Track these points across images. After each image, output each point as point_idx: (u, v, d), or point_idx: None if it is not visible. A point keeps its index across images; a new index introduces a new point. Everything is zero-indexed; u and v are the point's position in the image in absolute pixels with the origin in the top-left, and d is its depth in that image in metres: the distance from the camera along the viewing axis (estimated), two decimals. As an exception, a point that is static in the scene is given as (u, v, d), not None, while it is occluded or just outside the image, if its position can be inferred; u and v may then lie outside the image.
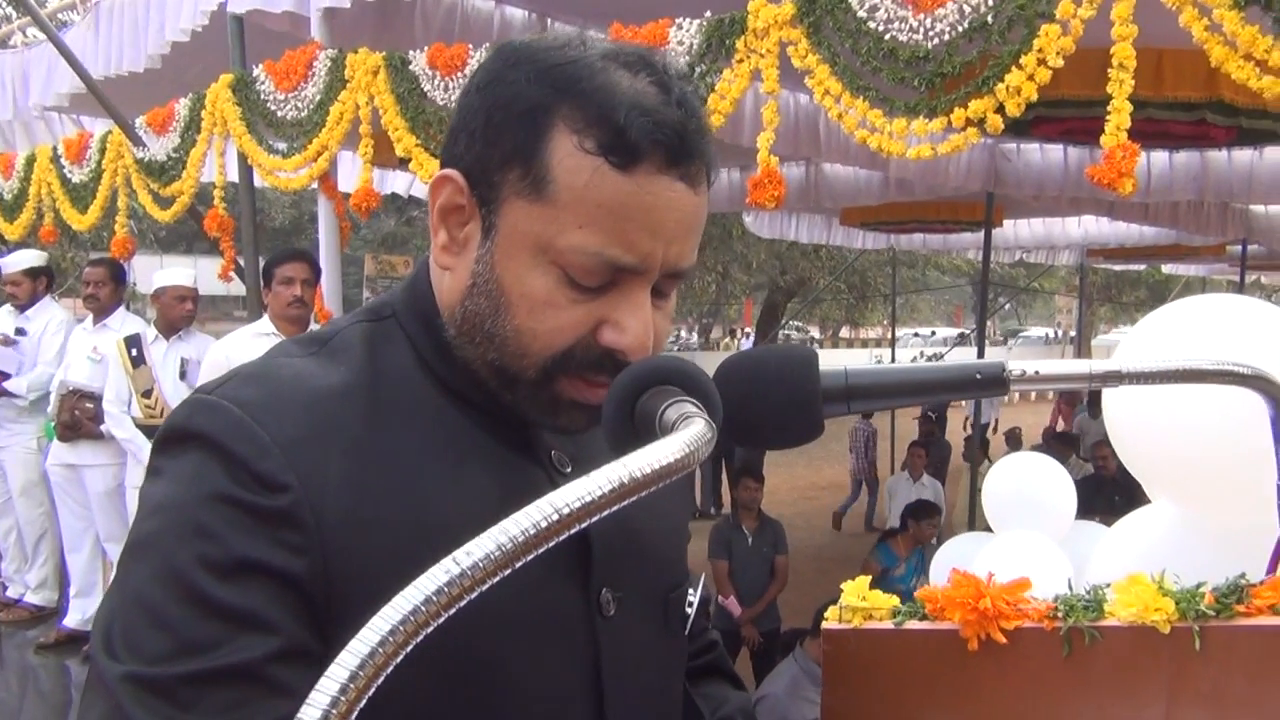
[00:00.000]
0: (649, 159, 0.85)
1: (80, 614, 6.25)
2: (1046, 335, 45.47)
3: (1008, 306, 31.17)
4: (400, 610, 0.50)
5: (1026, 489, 3.69)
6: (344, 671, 0.49)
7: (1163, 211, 9.83)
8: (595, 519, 0.56)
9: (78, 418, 6.00)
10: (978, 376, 0.91)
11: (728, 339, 35.99)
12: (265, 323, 4.87)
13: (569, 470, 0.99)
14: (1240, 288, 14.09)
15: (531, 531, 0.54)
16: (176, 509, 0.83)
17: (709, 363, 0.82)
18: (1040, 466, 3.83)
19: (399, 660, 0.51)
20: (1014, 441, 12.11)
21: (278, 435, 0.85)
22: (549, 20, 6.04)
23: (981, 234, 9.73)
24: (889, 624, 1.12)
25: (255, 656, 0.79)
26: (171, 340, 5.84)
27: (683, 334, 36.80)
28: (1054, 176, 8.21)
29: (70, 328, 6.58)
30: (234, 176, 5.97)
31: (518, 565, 0.54)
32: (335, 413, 0.89)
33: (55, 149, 7.20)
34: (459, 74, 4.66)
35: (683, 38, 4.22)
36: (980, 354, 11.73)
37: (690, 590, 1.12)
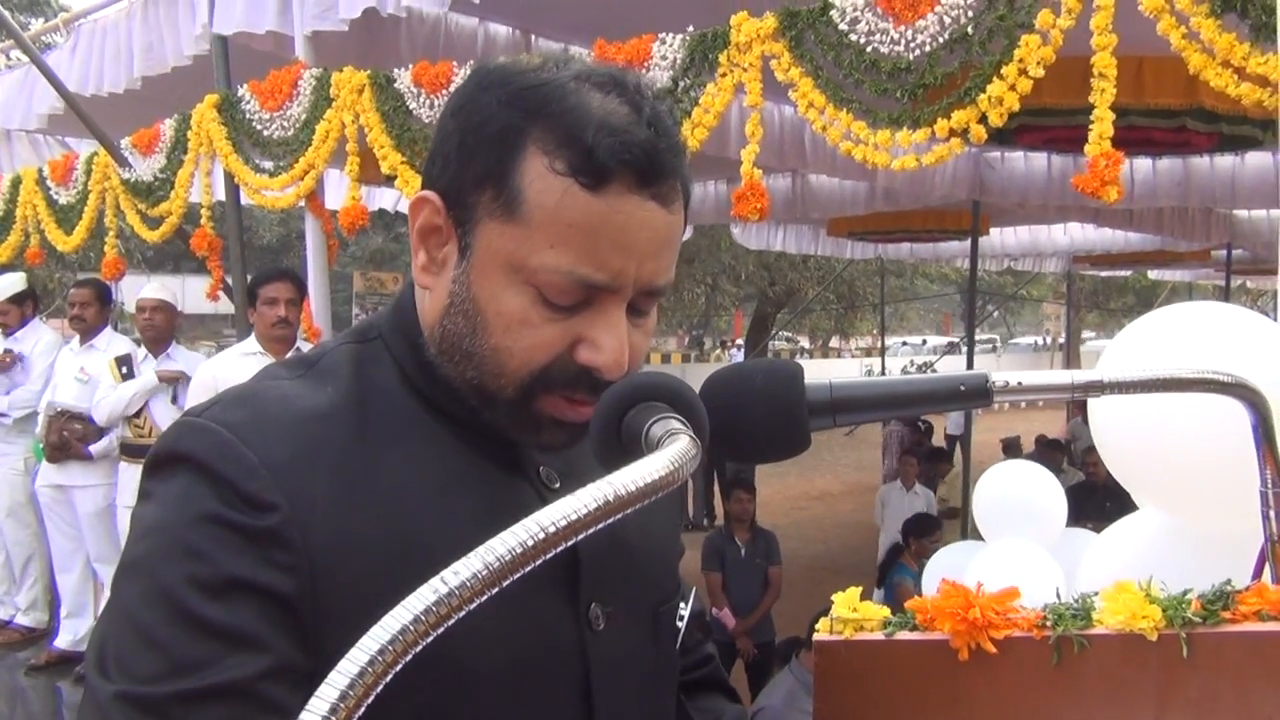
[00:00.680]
0: (618, 179, 0.86)
1: (71, 635, 6.22)
2: (1035, 342, 45.59)
3: (996, 314, 31.28)
4: (389, 630, 0.51)
5: (1017, 496, 3.69)
6: (334, 691, 0.50)
7: (1147, 218, 9.89)
8: (582, 536, 0.57)
9: (66, 438, 5.98)
10: (962, 388, 0.91)
11: (718, 350, 35.97)
12: (252, 342, 4.86)
13: (557, 486, 1.00)
14: (1226, 292, 14.17)
15: (518, 550, 0.54)
16: (166, 530, 0.84)
17: (701, 375, 0.82)
18: (1031, 474, 3.84)
19: (388, 679, 0.51)
20: (1013, 450, 12.06)
21: (265, 456, 0.85)
22: (533, 37, 6.07)
23: (969, 242, 9.77)
24: (880, 635, 1.12)
25: (246, 674, 0.79)
26: (160, 359, 5.83)
27: (672, 345, 36.77)
28: (1038, 184, 8.25)
29: (58, 349, 6.57)
30: (221, 196, 5.97)
31: (505, 584, 0.54)
32: (322, 433, 0.90)
33: (41, 171, 7.19)
34: (444, 91, 4.67)
35: (666, 52, 4.24)
36: (970, 363, 11.76)
37: (681, 603, 1.13)
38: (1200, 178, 8.25)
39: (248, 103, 5.44)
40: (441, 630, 0.52)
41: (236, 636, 0.80)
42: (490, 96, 0.90)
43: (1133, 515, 2.61)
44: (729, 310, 28.64)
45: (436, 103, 4.70)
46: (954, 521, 9.55)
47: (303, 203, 5.51)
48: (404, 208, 9.13)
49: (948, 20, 3.57)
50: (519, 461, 0.99)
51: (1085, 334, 34.13)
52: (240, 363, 4.61)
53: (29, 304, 6.73)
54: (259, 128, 5.41)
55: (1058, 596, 1.13)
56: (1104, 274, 20.70)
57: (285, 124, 5.28)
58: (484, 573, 0.53)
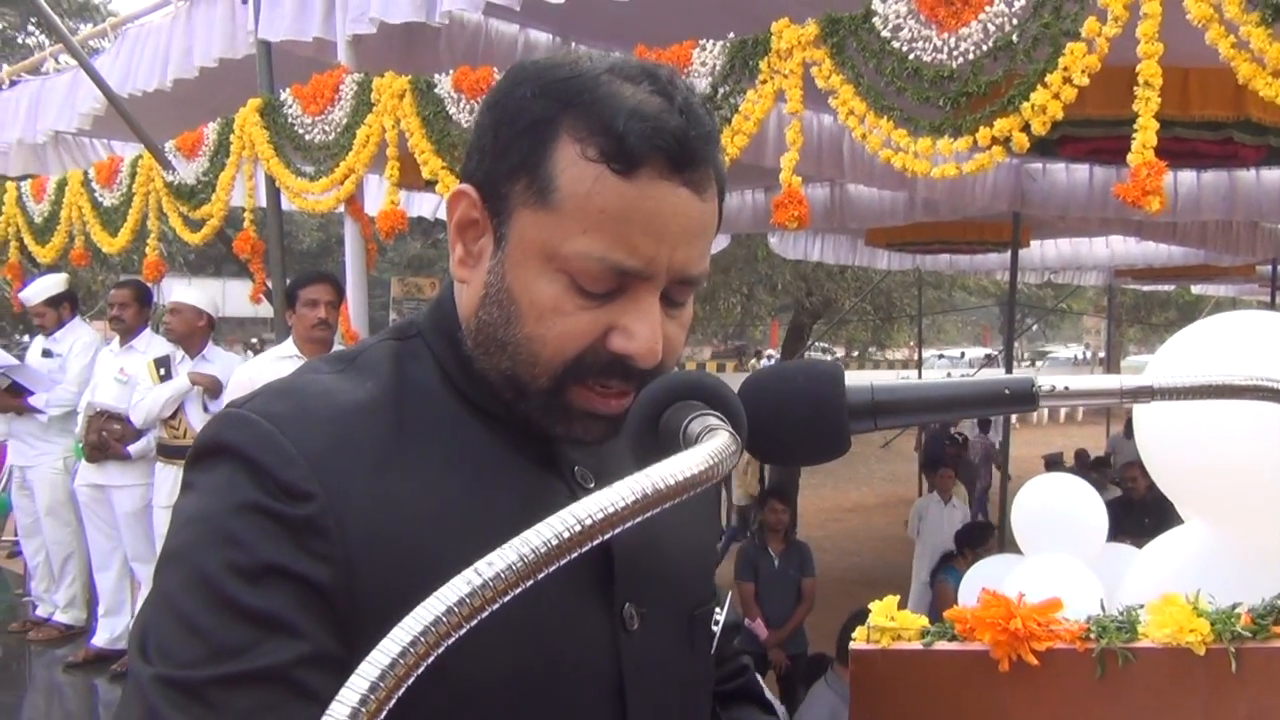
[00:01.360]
0: (650, 164, 0.86)
1: (109, 633, 6.30)
2: (1075, 356, 45.16)
3: (1035, 327, 30.97)
4: (421, 621, 0.50)
5: (1057, 510, 3.64)
6: (364, 682, 0.49)
7: (1191, 231, 9.76)
8: (618, 530, 0.56)
9: (105, 438, 6.06)
10: (1006, 392, 0.89)
11: (754, 360, 35.84)
12: (288, 345, 4.89)
13: (591, 485, 1.00)
14: (1271, 308, 13.96)
15: (554, 542, 0.53)
16: (207, 519, 0.85)
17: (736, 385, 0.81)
18: (1071, 487, 3.78)
19: (420, 671, 0.50)
20: (1055, 467, 11.92)
21: (304, 447, 0.86)
22: (572, 43, 6.08)
23: (1008, 254, 9.68)
24: (918, 644, 1.11)
25: (282, 660, 0.80)
26: (196, 360, 5.88)
27: (707, 354, 36.68)
28: (1080, 197, 8.16)
29: (98, 349, 6.64)
30: (263, 200, 6.02)
31: (539, 577, 0.53)
32: (360, 427, 0.91)
33: (87, 173, 7.29)
34: (484, 96, 4.68)
35: (706, 59, 4.23)
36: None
37: (717, 609, 1.11)
38: (1246, 191, 8.12)
39: (290, 107, 5.49)
40: (475, 623, 0.51)
41: (274, 622, 0.81)
42: (524, 90, 0.91)
43: (1178, 528, 2.56)
44: (765, 320, 28.55)
45: (476, 108, 4.72)
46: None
47: (342, 207, 5.55)
48: (443, 214, 9.19)
49: (992, 28, 3.53)
50: (554, 460, 0.99)
51: (1128, 349, 33.72)
52: (276, 366, 4.63)
53: (66, 306, 6.81)
54: (301, 132, 5.46)
55: (1102, 609, 1.10)
56: (1146, 288, 20.44)
57: (326, 128, 5.33)
58: (519, 565, 0.52)
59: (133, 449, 6.07)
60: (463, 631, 0.51)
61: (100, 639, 6.33)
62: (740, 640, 1.32)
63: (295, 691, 0.80)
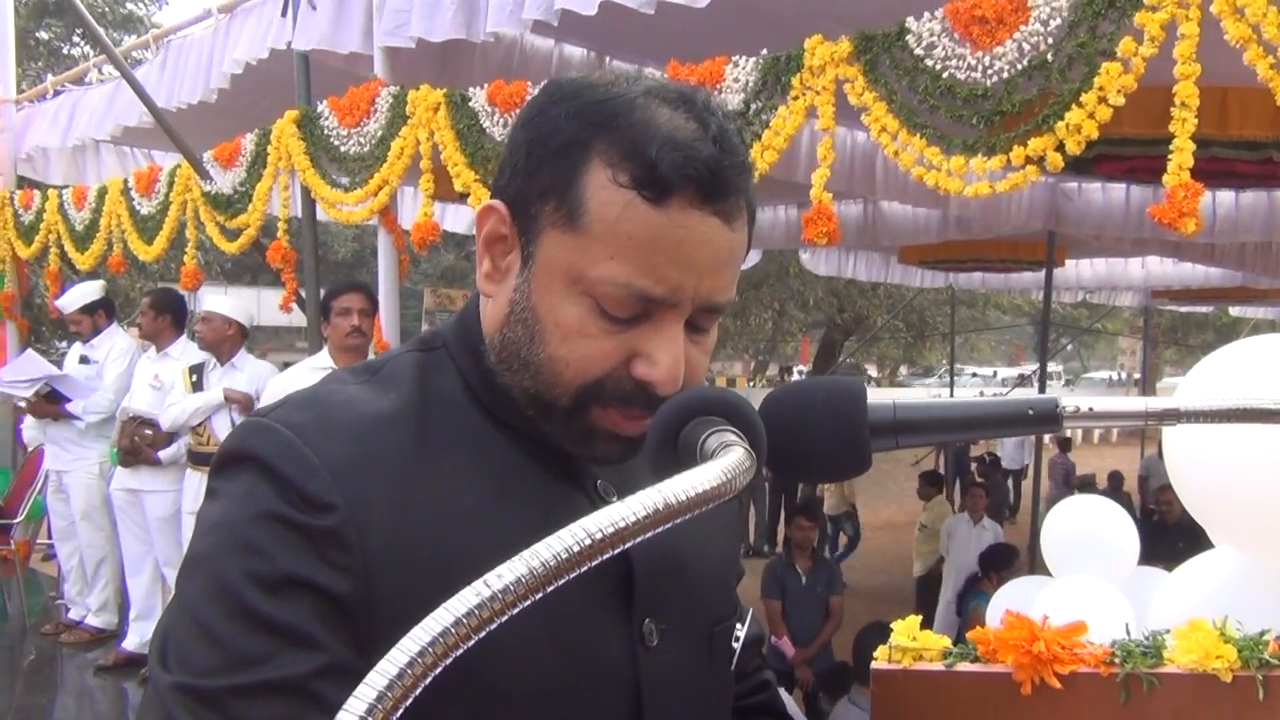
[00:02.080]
0: (681, 193, 0.86)
1: (139, 637, 6.34)
2: (1110, 378, 44.72)
3: (1070, 347, 30.69)
4: (430, 632, 0.50)
5: (1087, 532, 3.60)
6: (371, 692, 0.49)
7: (1229, 252, 9.64)
8: (630, 544, 0.56)
9: (137, 443, 6.13)
10: (1030, 413, 0.88)
11: (783, 377, 35.75)
12: (323, 356, 4.93)
13: (613, 498, 0.99)
14: (1310, 332, 13.73)
15: (564, 555, 0.53)
16: (228, 527, 0.86)
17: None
18: (1102, 509, 3.73)
19: (428, 683, 0.50)
20: (1088, 490, 11.79)
21: (326, 458, 0.87)
22: (607, 59, 6.10)
23: (1043, 273, 9.61)
24: (940, 665, 1.10)
25: (300, 671, 0.80)
26: (225, 368, 5.94)
27: (738, 370, 36.61)
28: (1116, 216, 8.09)
29: (135, 356, 6.72)
30: (298, 210, 6.08)
31: (550, 589, 0.53)
32: (383, 438, 0.91)
33: (126, 181, 7.38)
34: (518, 111, 4.71)
35: (739, 75, 4.23)
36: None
37: (738, 625, 1.11)
38: (1286, 212, 8.03)
39: (326, 119, 5.54)
40: (483, 634, 0.51)
41: (292, 633, 0.81)
42: (559, 109, 0.90)
43: (1208, 553, 2.53)
44: (796, 336, 28.49)
45: (510, 122, 4.75)
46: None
47: (376, 218, 5.59)
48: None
49: (1027, 47, 3.51)
50: (576, 473, 0.99)
51: (1164, 370, 33.35)
52: (310, 377, 4.65)
53: (101, 313, 6.89)
54: (336, 143, 5.50)
55: (1127, 633, 1.09)
56: (1183, 309, 20.21)
57: (362, 140, 5.37)
58: (528, 577, 0.52)
59: (163, 454, 6.14)
60: (471, 643, 0.51)
61: (130, 643, 6.38)
62: (767, 658, 1.31)
63: (312, 703, 0.80)
